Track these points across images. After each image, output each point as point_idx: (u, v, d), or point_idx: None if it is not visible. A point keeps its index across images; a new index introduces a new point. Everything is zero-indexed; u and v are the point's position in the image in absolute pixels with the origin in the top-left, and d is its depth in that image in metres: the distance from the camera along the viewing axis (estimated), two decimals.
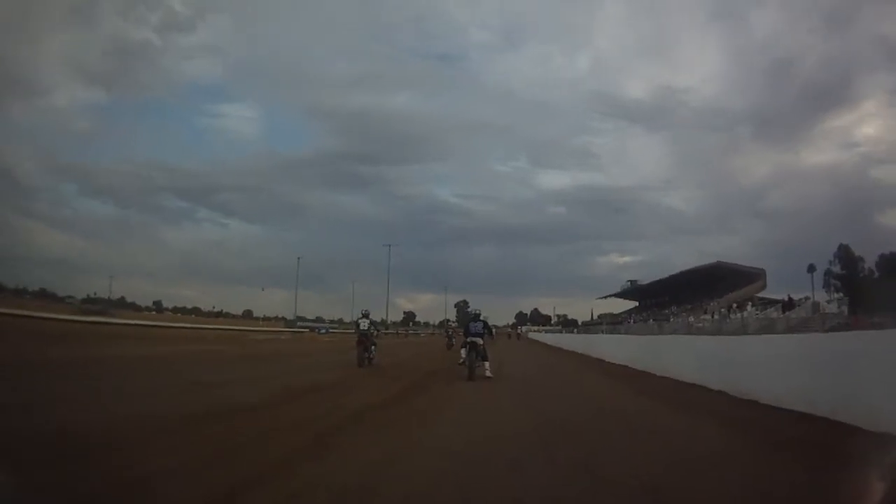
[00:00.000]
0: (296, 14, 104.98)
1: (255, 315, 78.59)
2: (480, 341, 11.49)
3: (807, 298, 29.32)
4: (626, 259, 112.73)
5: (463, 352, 11.74)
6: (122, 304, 70.11)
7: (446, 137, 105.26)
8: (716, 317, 33.01)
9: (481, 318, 11.93)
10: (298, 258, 70.03)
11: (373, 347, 14.11)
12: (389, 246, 73.34)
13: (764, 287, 44.99)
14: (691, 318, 35.04)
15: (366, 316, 14.42)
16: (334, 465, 4.15)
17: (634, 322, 47.58)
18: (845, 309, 22.29)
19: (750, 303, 34.23)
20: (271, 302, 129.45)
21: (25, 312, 24.35)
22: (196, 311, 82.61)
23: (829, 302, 28.03)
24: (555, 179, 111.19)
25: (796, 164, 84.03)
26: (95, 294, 70.13)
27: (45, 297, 60.93)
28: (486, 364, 11.50)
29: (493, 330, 13.44)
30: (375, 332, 14.97)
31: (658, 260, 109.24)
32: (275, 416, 6.26)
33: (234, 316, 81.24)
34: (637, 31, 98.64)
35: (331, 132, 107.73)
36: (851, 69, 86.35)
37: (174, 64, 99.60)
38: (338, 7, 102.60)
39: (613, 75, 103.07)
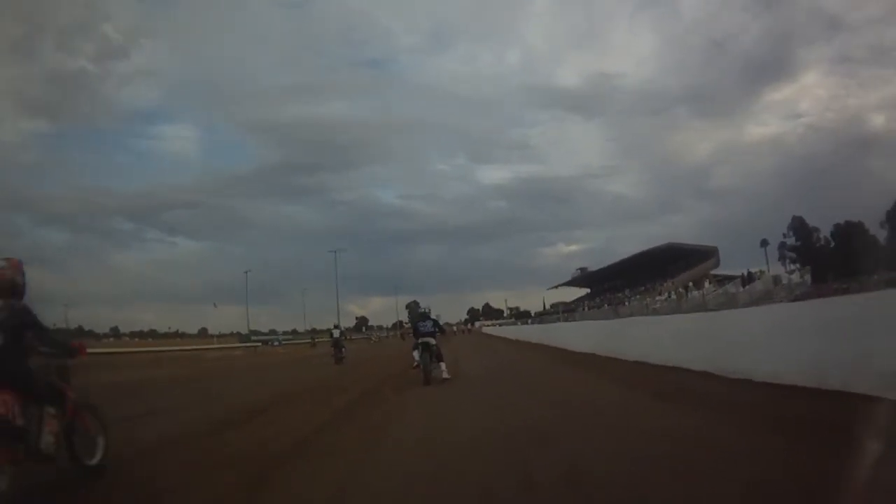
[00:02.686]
0: (228, 33, 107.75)
1: (210, 333, 76.50)
2: (433, 341, 10.55)
3: (762, 272, 29.51)
4: (573, 248, 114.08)
5: (415, 354, 10.61)
6: (80, 334, 66.57)
7: (383, 141, 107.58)
8: (672, 296, 33.02)
9: (431, 315, 11.34)
10: (246, 272, 70.38)
11: (343, 349, 19.13)
12: (335, 252, 70.82)
13: (717, 264, 46.06)
14: (647, 300, 34.93)
15: (336, 327, 21.26)
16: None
17: (588, 308, 47.52)
18: (808, 278, 22.15)
19: (707, 280, 34.36)
20: (225, 318, 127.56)
21: None
22: (153, 334, 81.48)
23: (790, 273, 28.32)
24: (494, 174, 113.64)
25: (740, 140, 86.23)
26: (55, 325, 65.42)
27: None
28: (442, 365, 10.55)
29: (453, 327, 12.24)
30: (345, 338, 21.59)
31: (606, 247, 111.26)
32: None
33: (190, 335, 79.06)
34: (566, 22, 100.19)
35: (269, 145, 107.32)
36: (789, 42, 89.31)
37: (111, 90, 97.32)
38: (268, 22, 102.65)
39: (545, 67, 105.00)
